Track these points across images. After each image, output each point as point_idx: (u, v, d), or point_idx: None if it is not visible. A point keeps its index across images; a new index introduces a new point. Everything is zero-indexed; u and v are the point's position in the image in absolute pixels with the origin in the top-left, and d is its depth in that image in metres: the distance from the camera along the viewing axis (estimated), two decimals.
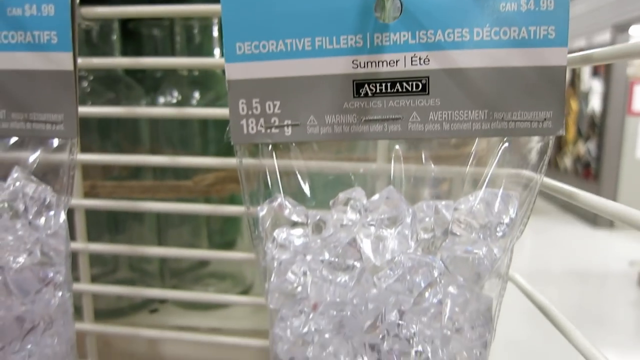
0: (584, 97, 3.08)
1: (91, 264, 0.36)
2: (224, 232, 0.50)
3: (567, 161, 3.27)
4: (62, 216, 0.22)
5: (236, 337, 0.34)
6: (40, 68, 0.20)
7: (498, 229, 0.20)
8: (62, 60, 0.20)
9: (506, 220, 0.20)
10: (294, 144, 0.23)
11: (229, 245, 0.50)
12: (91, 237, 0.34)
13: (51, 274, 0.21)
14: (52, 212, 0.22)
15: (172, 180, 0.40)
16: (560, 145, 3.35)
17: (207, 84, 0.42)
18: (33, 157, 0.23)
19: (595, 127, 2.95)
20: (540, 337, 1.43)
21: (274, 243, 0.22)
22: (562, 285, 1.96)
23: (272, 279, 0.22)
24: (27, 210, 0.21)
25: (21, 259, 0.21)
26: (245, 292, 0.46)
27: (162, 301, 0.45)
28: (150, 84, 0.45)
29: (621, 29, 2.65)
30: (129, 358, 0.40)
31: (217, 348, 0.39)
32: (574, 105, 3.18)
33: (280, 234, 0.22)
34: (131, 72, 0.45)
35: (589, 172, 2.97)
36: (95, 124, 0.41)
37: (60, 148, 0.23)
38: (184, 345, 0.40)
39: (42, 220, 0.22)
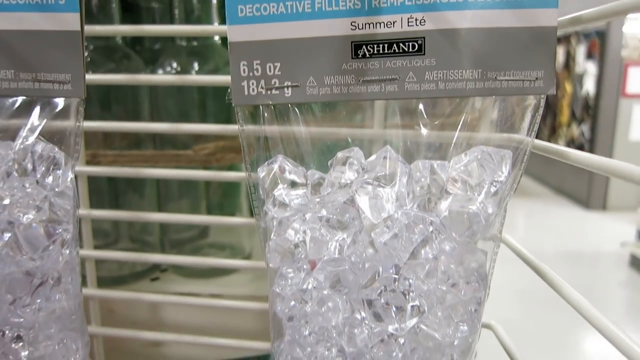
0: (579, 80, 3.09)
1: (93, 236, 0.36)
2: (223, 206, 0.51)
3: (561, 143, 3.29)
4: (70, 175, 0.23)
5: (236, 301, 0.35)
6: (48, 28, 0.21)
7: (492, 186, 0.21)
8: (70, 21, 0.20)
9: (500, 177, 0.21)
10: (294, 108, 0.23)
11: None
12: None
13: (59, 230, 0.22)
14: (59, 171, 0.22)
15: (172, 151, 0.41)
16: (554, 127, 3.37)
17: (206, 55, 0.43)
18: (40, 120, 0.23)
19: (589, 110, 2.96)
20: (532, 317, 1.46)
21: (274, 202, 0.23)
22: (555, 266, 1.98)
23: (271, 238, 0.23)
24: (35, 169, 0.22)
25: (30, 215, 0.21)
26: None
27: (163, 270, 0.46)
28: (148, 56, 0.46)
29: None
30: (132, 324, 0.41)
31: (217, 314, 0.41)
32: (568, 87, 3.19)
33: (280, 193, 0.22)
34: (130, 45, 0.45)
35: None
36: (96, 97, 0.42)
37: (65, 111, 0.24)
38: (185, 311, 0.41)
39: (50, 178, 0.22)
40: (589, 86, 2.98)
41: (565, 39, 3.09)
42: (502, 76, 0.20)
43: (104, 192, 0.44)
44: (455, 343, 0.22)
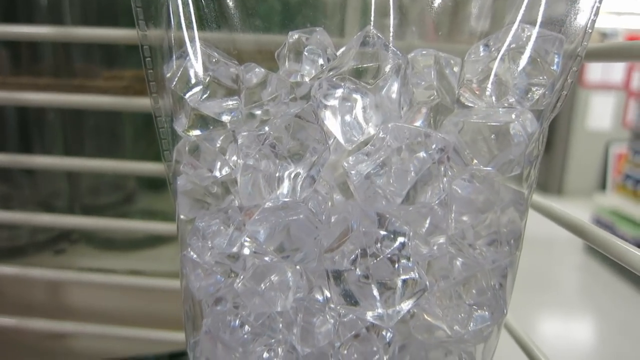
0: None
1: None
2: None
3: None
4: None
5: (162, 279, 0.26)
6: None
7: (532, 90, 0.13)
8: None
9: (544, 79, 0.13)
10: None
11: (159, 184, 0.41)
12: None
13: None
14: None
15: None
16: None
17: None
18: None
19: None
20: None
21: (186, 114, 0.14)
22: None
23: (181, 170, 0.14)
24: None
25: None
26: None
27: (73, 241, 0.36)
28: None
29: None
30: (27, 309, 0.32)
31: (138, 296, 0.32)
32: None
33: (195, 97, 0.14)
34: None
35: None
36: None
37: None
38: (95, 292, 0.32)
39: None
40: None
41: None
42: None
43: None
44: (467, 337, 0.14)
